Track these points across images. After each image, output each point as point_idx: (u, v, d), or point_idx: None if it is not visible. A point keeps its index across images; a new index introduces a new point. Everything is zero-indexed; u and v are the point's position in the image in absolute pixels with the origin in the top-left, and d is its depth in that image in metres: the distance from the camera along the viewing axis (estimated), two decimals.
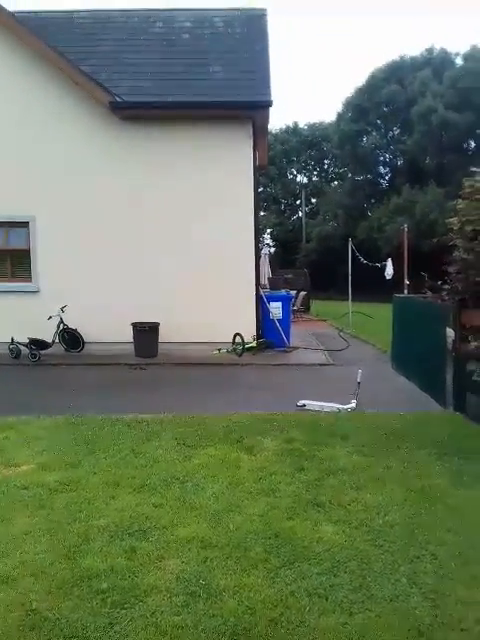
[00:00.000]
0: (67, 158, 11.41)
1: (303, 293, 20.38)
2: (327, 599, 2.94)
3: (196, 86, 11.78)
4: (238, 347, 11.09)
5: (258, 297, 11.81)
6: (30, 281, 11.69)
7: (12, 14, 11.39)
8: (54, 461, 5.02)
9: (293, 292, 16.56)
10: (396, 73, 35.62)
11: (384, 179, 39.87)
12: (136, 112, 11.40)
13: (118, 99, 11.26)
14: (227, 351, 11.13)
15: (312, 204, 46.81)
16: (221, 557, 3.38)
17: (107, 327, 11.20)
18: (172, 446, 5.41)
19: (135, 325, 10.96)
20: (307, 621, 2.76)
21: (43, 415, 6.56)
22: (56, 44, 11.42)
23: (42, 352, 10.79)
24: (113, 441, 5.58)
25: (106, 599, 2.96)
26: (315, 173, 49.47)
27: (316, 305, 23.38)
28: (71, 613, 2.85)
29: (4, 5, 11.20)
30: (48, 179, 11.39)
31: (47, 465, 4.92)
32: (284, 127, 47.30)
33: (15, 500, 4.21)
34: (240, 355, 10.97)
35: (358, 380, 7.33)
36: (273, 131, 44.71)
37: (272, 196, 47.30)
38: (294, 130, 47.34)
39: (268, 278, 16.56)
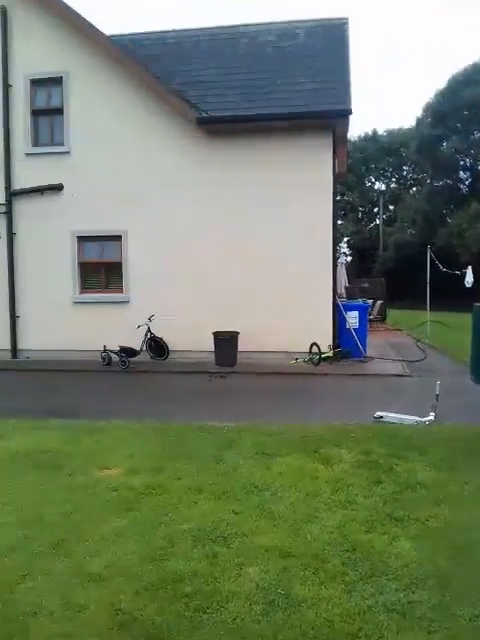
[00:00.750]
0: (156, 173, 11.92)
1: (379, 302, 20.04)
2: (405, 616, 2.95)
3: (278, 98, 11.97)
4: (315, 357, 11.11)
5: (335, 306, 11.78)
6: (122, 292, 12.27)
7: (108, 37, 12.05)
8: (142, 465, 5.26)
9: (369, 301, 16.33)
10: (477, 75, 34.33)
11: (464, 184, 38.50)
12: (221, 126, 11.72)
13: (204, 114, 11.63)
14: (304, 361, 11.17)
15: (390, 211, 45.91)
16: (299, 567, 3.45)
17: (190, 336, 11.57)
18: (251, 454, 5.53)
19: (216, 334, 11.23)
20: (385, 637, 2.79)
21: (131, 419, 6.89)
22: (147, 63, 11.98)
23: (131, 359, 11.29)
24: (195, 447, 5.77)
25: (190, 603, 3.10)
26: (393, 180, 48.51)
27: (392, 314, 22.88)
28: (157, 615, 3.00)
29: (100, 28, 11.90)
30: (140, 194, 11.94)
31: (135, 469, 5.17)
32: (363, 134, 46.74)
33: (106, 502, 4.46)
34: (317, 365, 10.97)
35: (437, 392, 7.17)
36: (351, 139, 44.18)
37: (350, 204, 46.77)
38: (373, 137, 46.69)
39: (345, 287, 16.41)
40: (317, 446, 5.77)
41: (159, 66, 12.63)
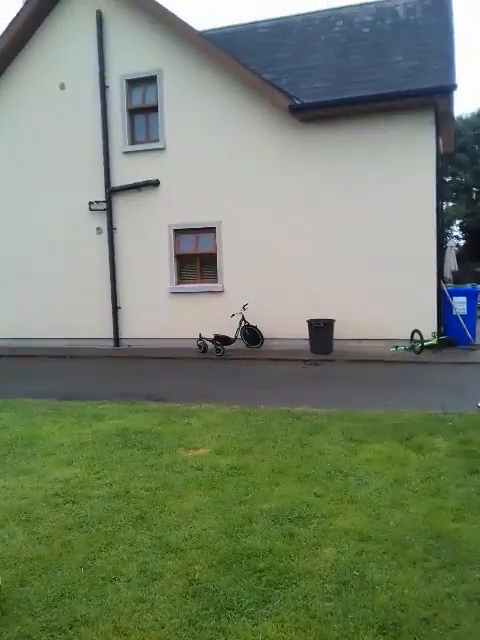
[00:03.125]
0: (250, 164, 11.96)
1: None
2: None
3: (375, 79, 11.59)
4: (417, 344, 10.66)
5: (440, 292, 11.23)
6: (216, 282, 12.49)
7: (199, 33, 12.28)
8: (228, 447, 5.34)
9: None
10: None
11: None
12: (314, 113, 11.53)
13: (297, 102, 11.52)
14: (405, 348, 10.77)
15: None
16: (378, 551, 3.34)
17: (284, 324, 11.55)
18: (339, 440, 5.43)
19: (310, 322, 11.11)
20: (462, 624, 2.62)
21: (222, 404, 7.01)
22: (240, 54, 12.07)
23: (226, 347, 11.47)
24: (282, 431, 5.76)
25: (262, 577, 3.10)
26: None
27: None
28: (229, 586, 3.03)
29: (192, 25, 12.14)
30: (233, 185, 12.07)
31: (221, 450, 5.25)
32: (477, 110, 44.03)
33: (190, 480, 4.57)
34: (419, 353, 10.53)
35: None
36: (463, 116, 41.90)
37: (462, 185, 44.30)
38: None
39: (451, 271, 15.62)
40: (410, 434, 5.56)
41: (251, 57, 12.68)
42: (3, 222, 13.92)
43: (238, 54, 12.17)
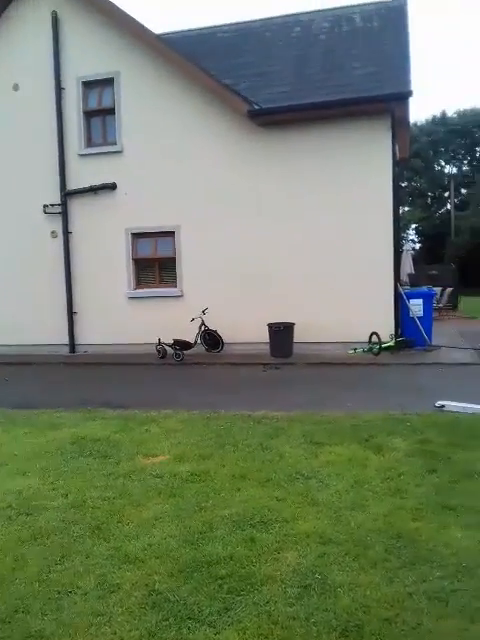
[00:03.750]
0: (208, 168, 11.93)
1: (449, 289, 19.31)
2: (448, 604, 2.77)
3: (333, 85, 11.75)
4: (374, 346, 10.81)
5: (397, 294, 11.41)
6: (175, 286, 12.39)
7: (157, 36, 12.19)
8: (188, 453, 5.26)
9: (438, 289, 15.75)
10: None
11: None
12: (273, 118, 11.59)
13: (256, 107, 11.55)
14: (363, 351, 10.90)
15: (462, 195, 44.20)
16: (339, 553, 3.32)
17: (244, 328, 11.55)
18: (299, 443, 5.42)
19: (271, 326, 11.13)
20: (424, 624, 2.63)
21: (182, 410, 6.92)
22: (199, 59, 12.03)
23: (185, 352, 11.38)
24: (243, 436, 5.71)
25: (223, 585, 3.05)
26: (465, 162, 46.71)
27: (467, 302, 22.00)
28: (190, 596, 2.96)
29: (150, 27, 12.05)
30: (192, 189, 12.01)
31: (181, 456, 5.17)
32: (431, 117, 45.24)
33: (149, 488, 4.47)
34: (377, 354, 10.67)
35: None
36: (418, 123, 43.01)
37: (417, 190, 45.45)
38: (442, 120, 45.13)
39: (408, 274, 15.93)
40: (369, 435, 5.59)
41: (211, 61, 12.65)
42: None
43: (198, 58, 12.14)
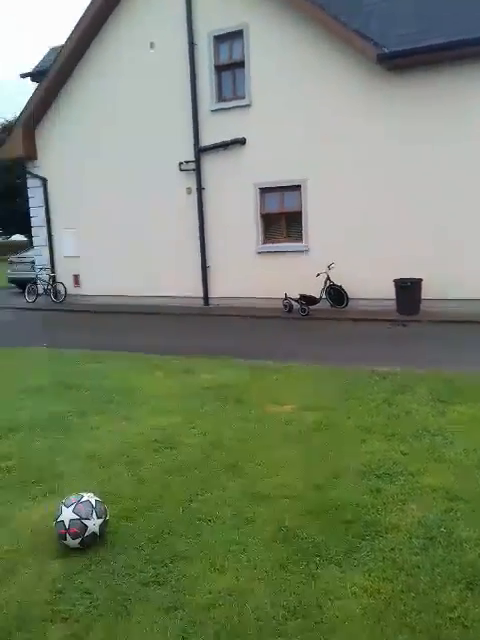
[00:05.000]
0: (337, 119, 11.59)
1: None
2: None
3: (469, 25, 10.80)
4: None
5: None
6: (301, 241, 12.43)
7: None
8: (314, 403, 5.46)
9: None
10: None
11: None
12: (402, 61, 10.88)
13: (385, 50, 11.00)
14: None
15: None
16: (466, 510, 3.36)
17: (370, 284, 11.37)
18: (426, 400, 5.40)
19: (397, 282, 10.88)
20: None
21: (307, 362, 7.12)
22: (326, 3, 11.60)
23: (311, 307, 11.50)
24: (368, 391, 5.80)
25: (349, 529, 3.22)
26: None
27: None
28: (317, 535, 3.18)
29: None
30: (319, 141, 11.79)
31: (308, 406, 5.38)
32: None
33: (278, 433, 4.74)
34: None
35: None
36: None
37: None
38: None
39: None
40: None
41: (337, 6, 12.07)
42: (96, 187, 14.49)
43: (324, 2, 11.68)
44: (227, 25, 12.39)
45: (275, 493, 3.68)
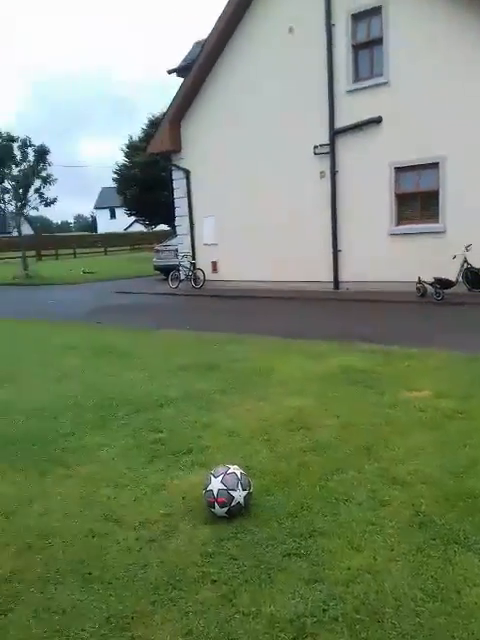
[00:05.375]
0: (477, 91, 11.01)
1: None
2: None
3: None
4: None
5: None
6: (437, 222, 11.98)
7: None
8: (449, 391, 5.36)
9: None
10: None
11: None
12: None
13: None
14: None
15: None
16: None
17: None
18: None
19: None
20: None
21: (442, 349, 6.96)
22: None
23: (446, 291, 11.10)
24: None
25: None
26: None
27: None
28: (454, 522, 3.17)
29: None
30: (458, 116, 11.31)
31: (442, 393, 5.30)
32: None
33: (413, 419, 4.73)
34: None
35: None
36: None
37: None
38: None
39: None
40: None
41: None
42: (233, 176, 14.91)
43: None
44: (366, 2, 12.10)
45: (410, 478, 3.73)
